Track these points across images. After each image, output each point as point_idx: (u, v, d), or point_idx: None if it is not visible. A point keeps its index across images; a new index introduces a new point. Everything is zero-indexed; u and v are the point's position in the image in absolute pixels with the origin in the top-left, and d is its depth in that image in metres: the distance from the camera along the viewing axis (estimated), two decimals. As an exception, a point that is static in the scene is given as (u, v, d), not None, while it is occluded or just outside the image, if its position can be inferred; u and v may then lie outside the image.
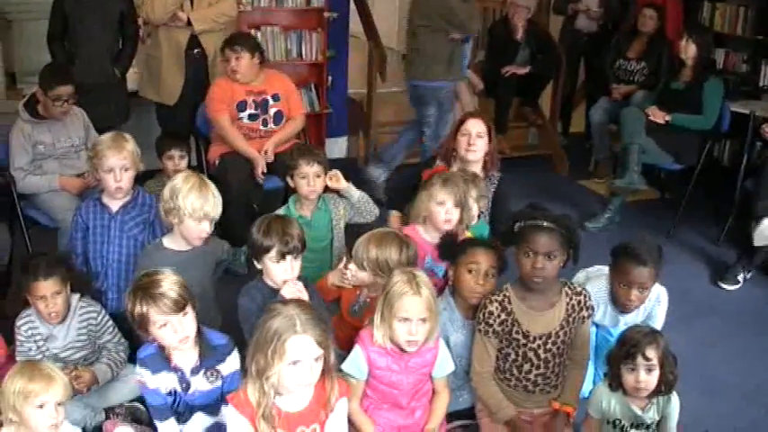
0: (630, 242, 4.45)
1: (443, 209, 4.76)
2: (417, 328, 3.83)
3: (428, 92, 7.59)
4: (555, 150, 9.11)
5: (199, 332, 3.89)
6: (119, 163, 4.89)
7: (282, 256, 4.17)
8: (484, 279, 4.35)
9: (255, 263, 4.29)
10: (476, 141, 5.53)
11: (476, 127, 5.56)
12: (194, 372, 3.91)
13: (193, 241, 4.56)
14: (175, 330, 3.75)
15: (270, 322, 3.37)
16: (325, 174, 5.13)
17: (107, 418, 4.46)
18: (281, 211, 5.06)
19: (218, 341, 3.98)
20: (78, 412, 4.31)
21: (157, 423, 3.97)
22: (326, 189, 5.20)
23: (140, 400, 4.48)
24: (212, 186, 4.59)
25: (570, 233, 4.00)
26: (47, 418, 3.49)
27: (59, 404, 3.53)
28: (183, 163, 6.04)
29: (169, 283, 3.76)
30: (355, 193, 5.20)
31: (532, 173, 8.44)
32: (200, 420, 4.03)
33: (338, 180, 5.15)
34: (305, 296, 4.09)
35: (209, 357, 3.92)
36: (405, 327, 3.83)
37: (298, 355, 3.34)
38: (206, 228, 4.52)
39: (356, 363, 3.97)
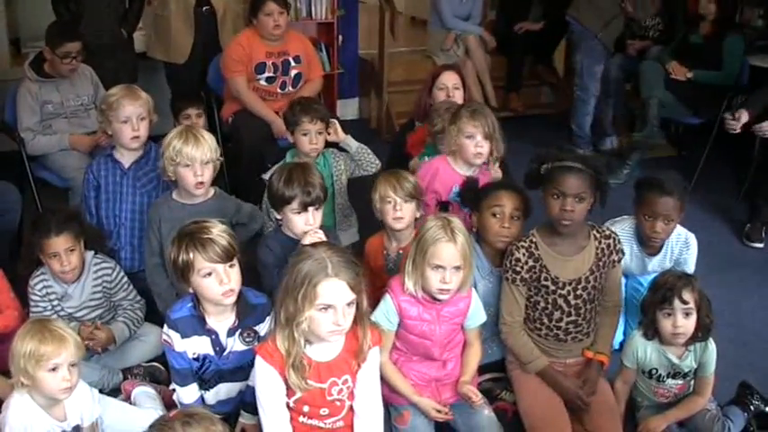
0: (655, 174, 4.44)
1: (473, 142, 4.68)
2: (451, 276, 3.71)
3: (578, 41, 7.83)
4: (569, 108, 8.96)
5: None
6: (135, 111, 4.85)
7: (304, 206, 4.07)
8: (509, 222, 4.27)
9: (275, 213, 4.21)
10: (454, 93, 5.50)
11: (451, 80, 5.54)
12: (231, 333, 3.75)
13: (192, 190, 4.45)
14: (221, 281, 3.57)
15: (300, 265, 3.25)
16: (326, 130, 5.04)
17: (125, 378, 4.38)
18: (278, 167, 4.94)
19: (257, 300, 3.81)
20: (96, 373, 4.26)
21: (177, 387, 3.83)
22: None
23: (159, 359, 4.43)
24: (202, 132, 4.52)
25: (598, 174, 3.91)
26: (60, 381, 3.37)
27: (72, 365, 3.40)
28: (201, 121, 5.95)
29: (219, 231, 3.62)
30: (353, 144, 5.12)
31: (546, 131, 8.32)
32: (225, 389, 3.90)
33: (336, 131, 5.07)
34: None
35: (247, 317, 3.76)
36: (438, 274, 3.72)
37: (329, 299, 3.22)
38: (200, 173, 4.40)
39: (386, 312, 3.87)
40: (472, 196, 4.48)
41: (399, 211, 4.33)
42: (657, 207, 4.31)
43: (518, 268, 4.03)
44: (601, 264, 4.03)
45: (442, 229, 3.71)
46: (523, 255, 4.02)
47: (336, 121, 5.15)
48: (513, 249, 4.06)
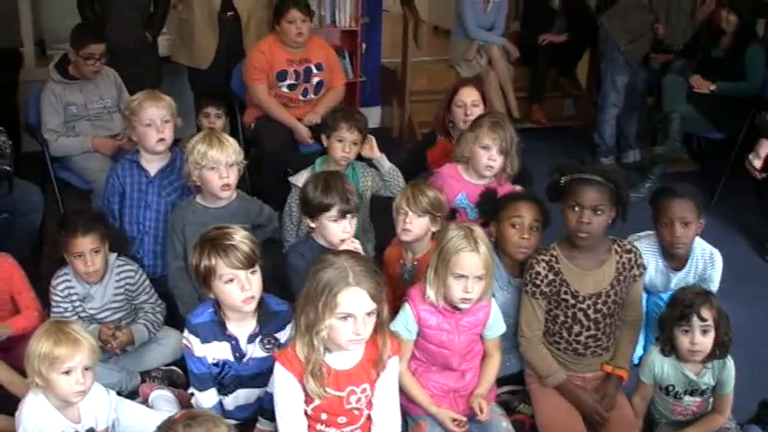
0: (667, 185, 4.48)
1: (487, 153, 4.68)
2: (473, 285, 3.70)
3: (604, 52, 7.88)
4: (591, 121, 8.95)
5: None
6: (158, 113, 4.85)
7: (342, 214, 4.10)
8: (528, 233, 4.25)
9: (309, 221, 4.20)
10: (472, 111, 5.41)
11: (470, 96, 5.46)
12: (251, 339, 3.75)
13: (218, 193, 4.46)
14: (242, 287, 3.57)
15: (321, 273, 3.24)
16: (362, 142, 5.04)
17: (143, 381, 4.39)
18: (307, 172, 5.00)
19: (279, 307, 3.79)
20: (114, 375, 4.27)
21: (196, 392, 3.82)
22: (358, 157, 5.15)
23: (177, 363, 4.43)
24: (225, 136, 4.55)
25: (618, 188, 3.90)
26: (74, 384, 3.38)
27: (87, 369, 3.41)
28: (219, 123, 5.98)
29: (241, 237, 3.61)
30: (386, 164, 5.14)
31: (568, 143, 8.31)
32: (244, 395, 3.89)
33: (372, 148, 5.07)
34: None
35: (268, 324, 3.76)
36: (460, 284, 3.70)
37: (350, 308, 3.21)
38: (225, 177, 4.41)
39: (405, 321, 3.86)
40: (491, 207, 4.45)
41: (409, 224, 4.30)
42: (672, 211, 4.28)
43: (538, 281, 4.01)
44: (621, 278, 4.01)
45: (464, 238, 3.70)
46: (543, 268, 4.01)
47: (374, 138, 5.15)
48: (533, 263, 4.04)
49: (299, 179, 4.97)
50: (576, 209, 3.86)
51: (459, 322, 3.85)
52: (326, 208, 4.08)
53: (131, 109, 4.91)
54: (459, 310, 3.80)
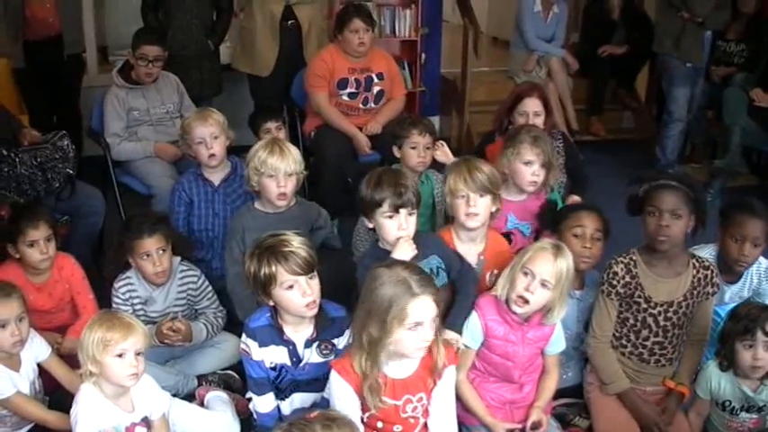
0: (743, 198, 4.39)
1: (530, 169, 4.58)
2: (536, 287, 3.69)
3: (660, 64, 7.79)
4: (650, 134, 8.89)
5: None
6: (207, 131, 4.96)
7: (396, 209, 3.88)
8: (591, 242, 4.26)
9: (367, 223, 4.06)
10: (534, 121, 5.31)
11: (533, 106, 5.36)
12: (308, 344, 3.75)
13: (275, 200, 4.48)
14: (303, 292, 3.56)
15: (382, 290, 3.22)
16: (433, 146, 5.03)
17: (199, 385, 4.41)
18: None
19: (336, 313, 3.78)
20: (171, 378, 4.30)
21: (254, 396, 3.84)
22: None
23: (234, 368, 4.46)
24: (287, 145, 4.55)
25: (696, 193, 3.90)
26: (127, 367, 3.41)
27: (139, 353, 3.45)
28: (281, 134, 5.95)
29: (298, 243, 3.61)
30: None
31: (627, 156, 8.23)
32: (300, 399, 3.89)
33: (445, 152, 5.07)
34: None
35: (325, 329, 3.75)
36: (525, 281, 3.70)
37: (419, 316, 3.20)
38: (282, 186, 4.43)
39: (472, 330, 3.85)
40: (551, 218, 4.45)
41: (473, 206, 4.10)
42: (747, 229, 4.23)
43: (614, 282, 4.01)
44: (695, 293, 4.00)
45: (551, 244, 3.74)
46: (621, 269, 4.00)
47: (444, 143, 5.15)
48: (612, 263, 4.04)
49: None
50: (655, 213, 3.87)
51: (525, 335, 3.84)
52: (379, 203, 3.88)
53: (183, 128, 5.08)
54: (513, 312, 3.78)
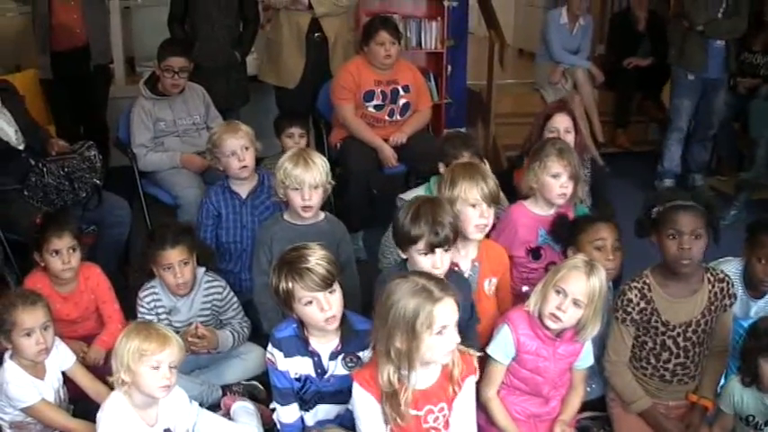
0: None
1: (558, 182, 4.51)
2: (569, 307, 3.66)
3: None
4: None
5: (342, 314, 3.69)
6: (238, 143, 4.96)
7: (431, 248, 3.72)
8: (613, 254, 4.24)
9: (401, 254, 3.92)
10: (565, 137, 5.24)
11: (563, 123, 5.30)
12: (333, 356, 3.73)
13: (300, 213, 4.44)
14: (322, 308, 3.55)
15: (402, 302, 3.20)
16: None
17: (224, 395, 4.42)
18: (420, 190, 5.02)
19: (362, 326, 3.72)
20: (196, 388, 4.31)
21: (278, 406, 3.84)
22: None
23: (259, 379, 4.48)
24: (314, 156, 4.50)
25: (711, 210, 3.84)
26: (160, 378, 3.44)
27: (173, 367, 3.47)
28: (303, 142, 5.98)
29: (316, 258, 3.57)
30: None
31: (653, 168, 8.18)
32: (324, 411, 3.89)
33: None
34: None
35: (351, 342, 3.72)
36: (557, 300, 3.67)
37: (445, 319, 3.19)
38: (308, 197, 4.38)
39: (503, 345, 3.82)
40: (566, 232, 4.41)
41: (487, 217, 4.08)
42: None
43: (629, 309, 3.94)
44: (713, 308, 3.94)
45: (584, 263, 3.69)
46: (635, 296, 3.93)
47: (486, 161, 5.12)
48: (625, 289, 3.97)
49: (410, 196, 4.95)
50: (676, 237, 3.77)
51: (556, 350, 3.81)
52: (414, 240, 3.72)
53: (213, 142, 5.07)
54: (547, 328, 3.75)
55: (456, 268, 4.03)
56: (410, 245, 3.75)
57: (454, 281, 3.70)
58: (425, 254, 3.73)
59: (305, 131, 6.11)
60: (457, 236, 3.82)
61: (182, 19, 6.94)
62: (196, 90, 6.15)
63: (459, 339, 3.28)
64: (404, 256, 3.88)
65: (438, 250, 3.72)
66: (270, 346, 3.77)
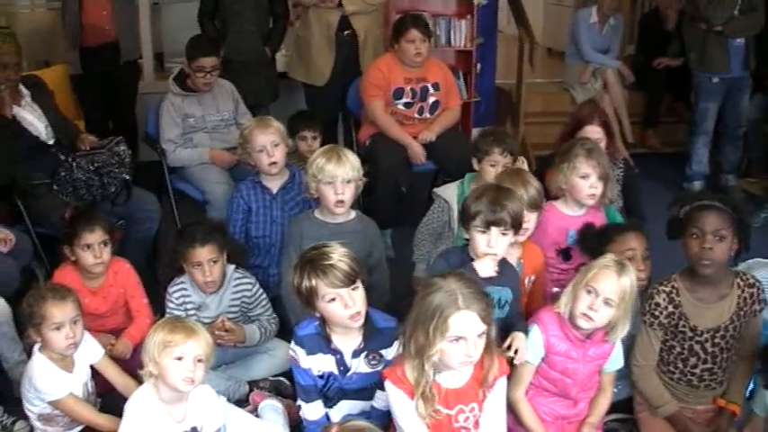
0: None
1: (587, 182, 4.50)
2: (600, 306, 3.62)
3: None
4: (707, 147, 8.84)
5: (366, 312, 3.69)
6: (268, 139, 4.97)
7: (487, 225, 3.78)
8: (643, 263, 4.20)
9: (464, 233, 3.96)
10: None
11: (594, 133, 5.21)
12: (356, 354, 3.73)
13: (332, 208, 4.43)
14: (345, 305, 3.56)
15: (430, 297, 3.23)
16: (513, 164, 4.98)
17: (250, 390, 4.43)
18: (455, 185, 5.07)
19: (385, 323, 3.76)
20: (222, 383, 4.32)
21: (302, 403, 3.84)
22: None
23: (285, 375, 4.47)
24: (346, 152, 4.51)
25: (739, 213, 3.79)
26: (184, 370, 3.42)
27: (199, 360, 3.46)
28: (316, 144, 5.88)
29: (339, 255, 3.59)
30: None
31: (683, 169, 8.10)
32: (347, 407, 3.88)
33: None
34: None
35: (373, 340, 3.73)
36: (589, 299, 3.63)
37: (461, 331, 3.19)
38: (341, 192, 4.37)
39: (533, 346, 3.79)
40: (595, 243, 4.33)
41: (526, 222, 4.08)
42: None
43: (657, 313, 3.92)
44: (742, 313, 3.90)
45: (615, 262, 3.66)
46: (663, 300, 3.90)
47: (524, 159, 5.08)
48: (653, 293, 3.94)
49: (446, 191, 5.07)
50: (698, 236, 3.74)
51: (586, 352, 3.78)
52: (473, 216, 3.80)
53: (244, 137, 5.09)
54: (578, 329, 3.73)
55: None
56: (470, 221, 3.82)
57: (507, 272, 3.85)
58: (482, 231, 3.79)
59: (317, 134, 6.04)
60: (518, 226, 3.88)
61: (212, 15, 6.96)
62: (225, 86, 6.15)
63: (478, 356, 3.27)
64: (466, 236, 3.92)
65: (494, 229, 3.78)
66: (292, 344, 3.78)
